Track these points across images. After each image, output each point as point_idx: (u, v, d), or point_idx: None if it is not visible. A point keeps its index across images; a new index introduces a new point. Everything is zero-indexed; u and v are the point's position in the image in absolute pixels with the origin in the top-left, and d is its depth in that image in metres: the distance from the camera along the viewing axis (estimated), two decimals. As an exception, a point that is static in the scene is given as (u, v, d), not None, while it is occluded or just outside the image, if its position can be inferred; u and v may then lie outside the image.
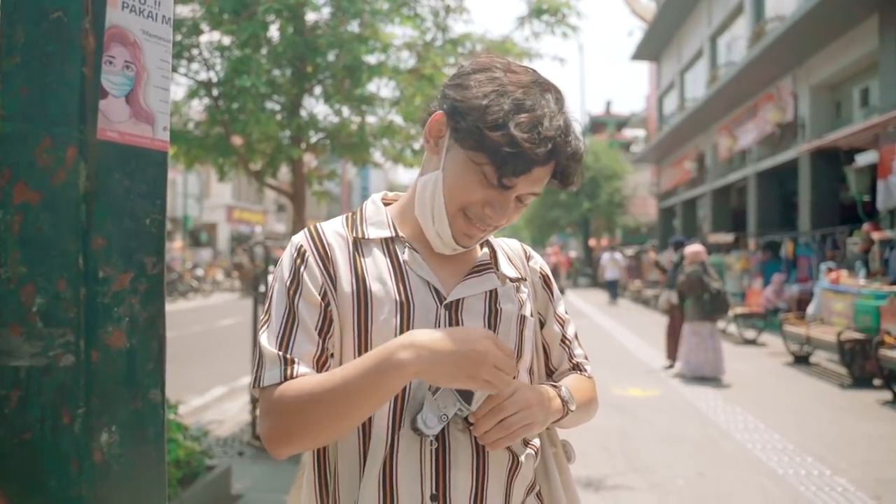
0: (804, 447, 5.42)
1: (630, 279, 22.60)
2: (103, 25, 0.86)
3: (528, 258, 1.31)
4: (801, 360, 9.41)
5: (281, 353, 1.06)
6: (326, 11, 5.19)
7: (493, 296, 1.18)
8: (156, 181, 0.92)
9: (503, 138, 1.02)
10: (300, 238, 1.16)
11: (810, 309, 9.67)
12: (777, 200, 15.94)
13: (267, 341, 1.08)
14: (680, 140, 21.57)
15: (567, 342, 1.30)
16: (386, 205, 1.25)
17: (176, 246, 27.52)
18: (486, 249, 1.25)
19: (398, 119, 5.64)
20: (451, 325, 1.12)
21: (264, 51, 4.98)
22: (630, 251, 25.49)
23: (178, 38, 4.91)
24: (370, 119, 5.77)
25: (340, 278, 1.12)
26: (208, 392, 7.59)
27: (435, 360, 1.00)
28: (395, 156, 5.99)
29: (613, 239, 31.72)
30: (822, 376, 8.54)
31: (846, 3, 10.41)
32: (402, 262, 1.15)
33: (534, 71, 1.12)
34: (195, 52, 5.18)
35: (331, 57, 5.03)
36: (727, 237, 16.58)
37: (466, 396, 1.06)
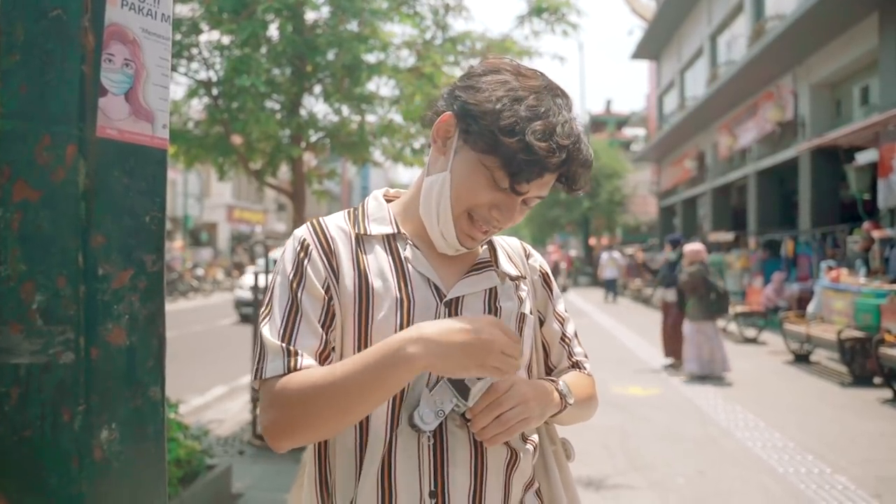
0: (804, 445, 5.42)
1: (630, 278, 22.63)
2: (103, 23, 0.85)
3: (528, 256, 1.31)
4: (802, 359, 9.41)
5: (284, 344, 1.06)
6: (326, 10, 5.19)
7: (492, 293, 1.18)
8: (155, 179, 0.92)
9: (518, 144, 1.03)
10: (303, 231, 1.16)
11: (810, 307, 9.68)
12: (777, 199, 15.94)
13: (269, 333, 1.08)
14: (680, 139, 21.57)
15: (566, 340, 1.30)
16: (388, 201, 1.25)
17: (176, 245, 27.53)
18: (485, 247, 1.25)
19: (398, 118, 5.64)
20: None
21: (264, 50, 4.98)
22: (630, 250, 25.53)
23: (178, 37, 4.91)
24: (370, 118, 5.77)
25: (343, 273, 1.12)
26: (209, 391, 7.59)
27: (444, 352, 1.00)
28: (394, 155, 5.98)
29: (614, 238, 31.73)
30: (822, 375, 8.54)
31: (846, 1, 10.41)
32: (403, 258, 1.15)
33: (542, 74, 1.13)
34: (195, 51, 5.18)
35: (330, 56, 5.03)
36: (727, 236, 16.59)
37: (463, 392, 1.06)
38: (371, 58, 5.16)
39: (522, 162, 1.04)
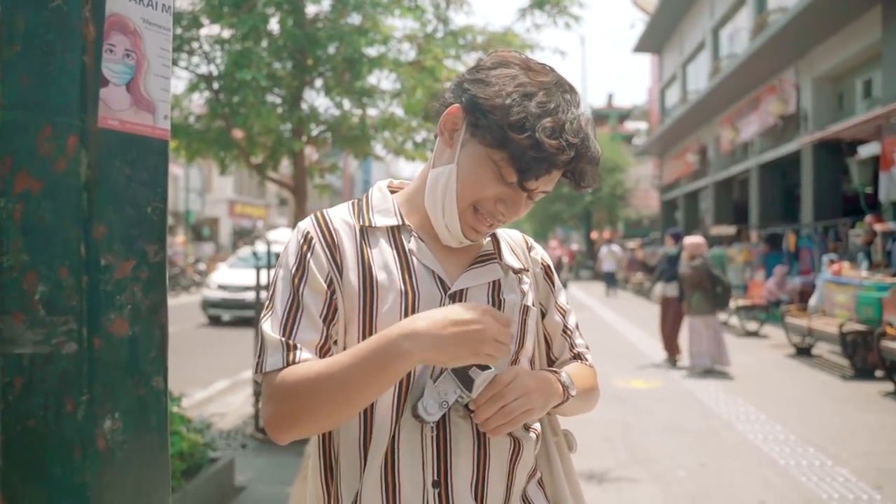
0: (806, 438, 5.43)
1: (631, 272, 22.66)
2: (103, 14, 0.85)
3: (530, 249, 1.31)
4: (803, 352, 9.41)
5: (283, 338, 1.07)
6: (327, 4, 5.18)
7: (496, 286, 1.18)
8: (157, 169, 0.92)
9: (528, 141, 1.03)
10: (307, 224, 1.16)
11: (812, 301, 9.66)
12: (779, 192, 15.91)
13: (270, 328, 1.08)
14: (682, 132, 21.53)
15: (568, 332, 1.31)
16: (392, 192, 1.25)
17: (178, 240, 27.55)
18: (489, 240, 1.25)
19: (399, 111, 5.63)
20: None
21: (265, 44, 4.97)
22: (631, 244, 25.55)
23: (179, 31, 4.90)
24: (371, 111, 5.76)
25: (347, 267, 1.12)
26: (211, 385, 7.61)
27: (438, 345, 1.01)
28: (396, 148, 5.97)
29: (615, 232, 31.73)
30: (824, 368, 8.54)
31: (849, -6, 10.38)
32: (407, 251, 1.15)
33: (552, 69, 1.13)
34: (195, 45, 5.17)
35: (331, 49, 5.02)
36: (729, 229, 16.56)
37: (467, 383, 1.06)
38: (372, 51, 5.14)
39: (531, 158, 1.04)
